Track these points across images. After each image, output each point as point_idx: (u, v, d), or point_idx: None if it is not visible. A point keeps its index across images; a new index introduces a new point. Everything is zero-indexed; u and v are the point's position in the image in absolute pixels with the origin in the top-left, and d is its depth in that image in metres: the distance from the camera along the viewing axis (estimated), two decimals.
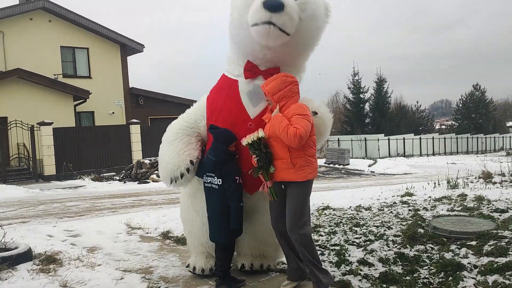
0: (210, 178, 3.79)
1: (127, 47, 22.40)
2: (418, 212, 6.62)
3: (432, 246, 4.73)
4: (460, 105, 50.89)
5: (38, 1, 19.73)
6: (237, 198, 3.71)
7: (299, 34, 3.58)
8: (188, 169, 3.76)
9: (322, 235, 5.43)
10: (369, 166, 21.56)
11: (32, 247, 4.79)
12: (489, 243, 4.57)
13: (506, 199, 7.31)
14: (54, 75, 19.67)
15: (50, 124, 16.59)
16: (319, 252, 4.66)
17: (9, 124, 16.70)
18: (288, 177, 3.51)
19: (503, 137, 46.63)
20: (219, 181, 3.72)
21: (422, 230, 5.20)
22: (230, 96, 3.81)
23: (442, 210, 6.68)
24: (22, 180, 15.99)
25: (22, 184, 14.56)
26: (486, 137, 43.99)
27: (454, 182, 9.25)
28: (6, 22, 18.85)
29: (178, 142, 3.89)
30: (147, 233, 6.12)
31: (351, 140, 32.52)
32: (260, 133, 3.52)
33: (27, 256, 4.49)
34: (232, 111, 3.77)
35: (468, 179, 10.38)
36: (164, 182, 4.02)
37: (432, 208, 6.88)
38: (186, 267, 4.31)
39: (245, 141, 3.52)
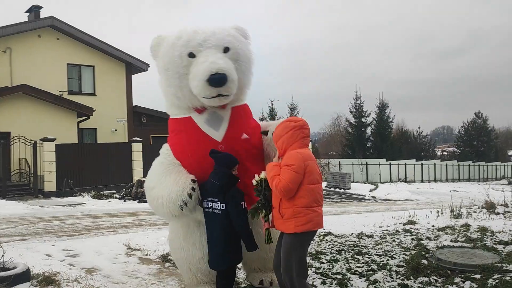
0: (212, 203, 3.75)
1: (132, 66, 22.62)
2: (421, 241, 6.54)
3: (436, 278, 4.66)
4: (462, 132, 50.97)
5: (47, 19, 20.04)
6: (245, 224, 3.67)
7: (240, 77, 3.85)
8: (193, 188, 3.71)
9: (323, 262, 5.36)
10: (371, 191, 21.47)
11: (30, 267, 4.74)
12: (493, 277, 4.50)
13: (510, 230, 7.24)
14: (60, 91, 19.81)
15: (53, 140, 16.62)
16: (320, 281, 4.60)
17: (12, 139, 16.73)
18: (278, 227, 3.53)
19: (504, 165, 46.53)
20: (223, 206, 3.68)
21: (426, 261, 5.13)
22: (190, 132, 3.94)
23: (445, 240, 6.60)
24: (22, 195, 15.92)
25: (22, 200, 14.49)
26: (487, 165, 43.90)
27: (457, 212, 9.18)
28: (15, 38, 19.10)
29: (170, 174, 3.86)
30: (146, 255, 6.05)
31: (352, 164, 32.46)
32: (262, 174, 3.60)
33: (25, 276, 4.43)
34: (198, 143, 3.87)
35: (471, 208, 10.31)
36: (170, 217, 3.88)
37: (436, 238, 6.80)
38: None
39: (254, 181, 3.64)
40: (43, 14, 21.36)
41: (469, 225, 7.81)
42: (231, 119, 3.98)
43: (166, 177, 3.85)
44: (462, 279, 4.55)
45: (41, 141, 16.52)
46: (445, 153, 55.65)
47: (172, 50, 3.84)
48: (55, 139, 16.71)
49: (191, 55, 3.79)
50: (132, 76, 23.04)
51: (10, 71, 18.95)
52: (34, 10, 21.39)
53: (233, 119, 3.99)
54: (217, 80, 3.58)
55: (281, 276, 3.58)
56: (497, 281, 4.37)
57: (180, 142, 3.99)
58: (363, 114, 40.41)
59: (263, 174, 3.60)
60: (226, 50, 3.84)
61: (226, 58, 3.77)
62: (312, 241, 6.30)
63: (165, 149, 4.13)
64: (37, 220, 10.14)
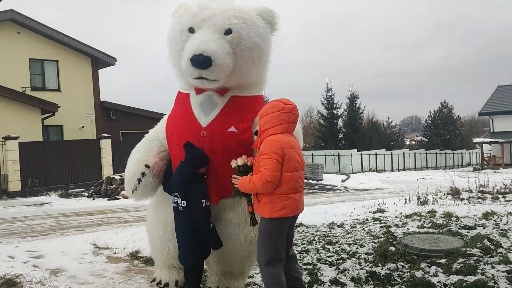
0: (176, 198, 3.69)
1: (99, 60, 22.03)
2: (390, 229, 6.66)
3: (403, 264, 4.74)
4: (429, 122, 52.22)
5: (6, 12, 19.22)
6: (205, 222, 3.59)
7: (239, 64, 3.62)
8: (144, 173, 3.71)
9: None
10: (342, 181, 21.77)
11: None
12: (458, 261, 4.62)
13: (474, 215, 7.46)
14: (22, 88, 19.11)
15: (16, 138, 16.06)
16: None
17: None
18: (256, 210, 3.48)
19: (469, 152, 48.04)
20: (183, 203, 3.60)
21: (393, 248, 5.22)
22: (183, 110, 3.85)
23: (412, 227, 6.74)
24: None
25: None
26: (454, 153, 45.23)
27: (424, 199, 9.40)
28: None
29: (139, 153, 3.95)
30: (115, 253, 5.91)
31: (325, 155, 32.83)
32: (239, 160, 3.49)
33: None
34: (185, 123, 3.76)
35: (437, 195, 10.57)
36: (129, 196, 4.00)
37: (403, 225, 6.94)
38: (152, 281, 4.23)
39: (233, 163, 3.50)
40: (2, 7, 20.51)
41: (435, 211, 8.01)
42: (224, 107, 3.73)
43: (136, 154, 3.94)
44: (428, 264, 4.65)
45: (3, 140, 15.92)
46: (414, 142, 56.95)
47: (177, 22, 3.76)
48: (18, 137, 16.14)
49: (191, 30, 3.65)
50: (100, 70, 22.45)
51: None
52: None
53: (227, 108, 3.73)
54: (199, 61, 3.41)
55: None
56: (461, 265, 4.49)
57: (174, 116, 3.93)
58: (335, 105, 40.86)
59: (240, 160, 3.48)
60: (228, 32, 3.58)
61: (221, 40, 3.53)
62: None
63: (163, 119, 4.11)
64: (0, 221, 9.77)
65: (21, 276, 4.70)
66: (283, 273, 3.40)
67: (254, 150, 3.61)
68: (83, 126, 21.21)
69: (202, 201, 3.56)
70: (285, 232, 3.44)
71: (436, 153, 43.04)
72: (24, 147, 16.26)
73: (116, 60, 22.81)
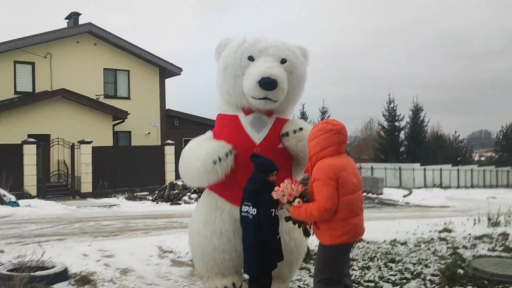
0: (246, 207, 3.74)
1: (166, 70, 23.08)
2: (457, 250, 6.37)
3: None
4: (501, 137, 49.12)
5: (85, 25, 20.75)
6: (273, 232, 3.66)
7: (289, 90, 4.09)
8: (231, 151, 3.95)
9: (355, 269, 5.29)
10: (404, 196, 21.00)
11: (68, 266, 4.91)
12: None
13: None
14: (96, 95, 20.45)
15: (89, 143, 17.15)
16: None
17: (51, 142, 17.39)
18: (316, 235, 3.43)
19: None
20: (254, 210, 3.67)
21: (461, 271, 4.98)
22: (233, 129, 4.16)
23: (482, 249, 6.40)
24: (60, 196, 16.49)
25: (60, 200, 15.01)
26: None
27: (495, 220, 8.87)
28: (54, 44, 19.86)
29: (211, 140, 4.18)
30: (178, 257, 6.14)
31: (385, 169, 31.84)
32: (295, 202, 3.33)
33: (63, 275, 4.60)
34: (238, 140, 4.07)
35: (510, 216, 9.92)
36: (200, 175, 4.00)
37: (472, 247, 6.60)
38: None
39: (275, 196, 3.41)
40: (81, 20, 22.15)
41: (508, 234, 7.54)
42: (273, 127, 4.17)
43: (207, 141, 4.19)
44: None
45: (78, 144, 17.07)
46: (483, 158, 53.78)
47: (234, 51, 4.13)
48: (92, 141, 17.23)
49: (251, 58, 4.07)
50: (165, 80, 23.50)
51: (50, 75, 19.72)
52: (73, 17, 22.17)
53: (275, 127, 4.17)
54: (267, 83, 3.83)
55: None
56: None
57: (222, 135, 4.19)
58: (396, 117, 39.65)
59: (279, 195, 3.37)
60: (283, 61, 4.09)
61: (281, 68, 4.02)
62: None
63: (208, 133, 4.41)
64: (74, 221, 10.48)
65: (95, 273, 5.03)
66: None
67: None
68: (149, 133, 22.25)
69: (272, 210, 3.62)
70: (346, 258, 3.38)
71: (508, 171, 40.31)
72: (97, 151, 17.31)
73: (182, 70, 23.76)
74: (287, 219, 3.56)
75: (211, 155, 3.90)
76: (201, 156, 3.95)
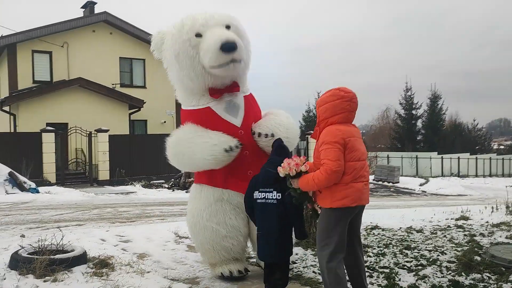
0: (265, 193, 3.70)
1: None
2: (474, 237, 6.29)
3: (489, 275, 4.47)
4: None
5: (101, 14, 20.88)
6: (302, 211, 3.67)
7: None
8: (240, 144, 4.14)
9: (370, 256, 5.28)
10: (421, 185, 20.79)
11: (87, 250, 5.01)
12: None
13: None
14: (113, 84, 20.64)
15: (106, 131, 17.37)
16: (367, 274, 4.54)
17: (69, 130, 17.66)
18: (318, 201, 3.44)
19: None
20: (279, 195, 3.62)
21: (478, 258, 4.93)
22: (209, 120, 4.26)
23: (500, 237, 6.31)
24: (79, 183, 16.80)
25: (79, 188, 15.30)
26: None
27: None
28: (71, 34, 20.06)
29: (207, 130, 4.25)
30: (194, 243, 6.20)
31: (402, 157, 31.52)
32: (303, 167, 3.38)
33: (82, 259, 4.69)
34: (222, 129, 4.20)
35: None
36: (210, 161, 4.12)
37: (490, 234, 6.52)
38: (221, 277, 4.38)
39: (282, 172, 3.46)
40: (97, 9, 22.27)
41: None
42: (245, 107, 4.38)
43: (205, 131, 4.23)
44: None
45: (95, 132, 17.31)
46: (502, 147, 52.77)
47: (179, 37, 4.17)
48: (108, 130, 17.45)
49: (198, 35, 4.12)
50: None
51: (67, 65, 19.95)
52: (89, 6, 22.32)
53: (247, 107, 4.40)
54: (229, 46, 3.90)
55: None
56: None
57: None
58: (414, 106, 39.11)
59: (300, 166, 3.38)
60: (228, 27, 4.19)
61: (230, 31, 4.12)
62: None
63: (190, 124, 4.44)
64: (92, 207, 10.68)
65: (112, 257, 5.13)
66: (343, 266, 3.36)
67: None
68: (165, 121, 22.40)
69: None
70: (346, 224, 3.32)
71: None
72: (113, 139, 17.54)
73: None
74: (296, 200, 3.53)
75: (223, 142, 4.06)
76: (213, 144, 4.07)
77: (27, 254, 4.59)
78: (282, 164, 3.44)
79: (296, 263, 4.96)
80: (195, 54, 4.09)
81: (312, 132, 23.81)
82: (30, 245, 4.88)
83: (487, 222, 7.65)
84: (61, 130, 17.24)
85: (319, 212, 3.49)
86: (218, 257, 4.38)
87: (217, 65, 4.02)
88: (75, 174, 17.73)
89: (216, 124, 4.25)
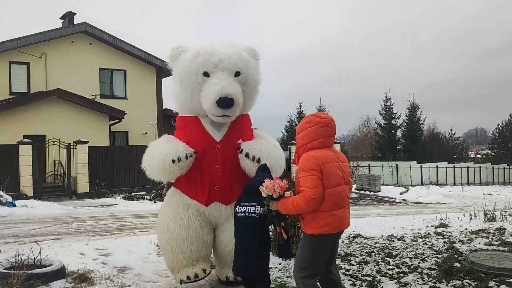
0: (246, 207, 3.67)
1: (163, 70, 22.98)
2: (454, 244, 6.39)
3: (469, 281, 4.54)
4: (497, 134, 49.33)
5: (80, 25, 20.69)
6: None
7: (245, 100, 4.41)
8: (193, 153, 4.27)
9: (353, 264, 5.31)
10: (401, 193, 21.05)
11: (65, 265, 4.90)
12: None
13: None
14: (92, 95, 20.39)
15: (85, 143, 17.09)
16: (349, 283, 4.56)
17: (47, 142, 17.33)
18: (302, 226, 3.45)
19: None
20: (262, 210, 3.57)
21: (458, 264, 5.01)
22: (194, 129, 4.46)
23: (479, 244, 6.42)
24: (57, 196, 16.44)
25: (57, 201, 14.96)
26: None
27: (491, 215, 8.91)
28: (49, 44, 19.80)
29: (175, 140, 4.44)
30: None
31: (382, 167, 31.89)
32: (287, 193, 3.33)
33: (60, 273, 4.59)
34: (199, 140, 4.38)
35: (506, 212, 9.98)
36: (159, 170, 4.28)
37: (469, 241, 6.63)
38: (180, 283, 4.41)
39: (266, 193, 3.38)
40: (76, 20, 22.08)
41: (504, 229, 7.57)
42: (231, 125, 4.48)
43: (172, 141, 4.44)
44: (497, 283, 4.42)
45: (74, 144, 17.02)
46: (479, 156, 53.97)
47: (189, 65, 4.31)
48: (88, 141, 17.18)
49: (206, 74, 4.28)
50: (162, 79, 23.46)
51: (45, 76, 19.66)
52: (68, 17, 22.11)
53: (233, 125, 4.49)
54: (225, 103, 4.10)
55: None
56: None
57: (184, 135, 4.48)
58: (393, 116, 39.75)
59: (267, 191, 3.34)
60: (237, 74, 4.31)
61: (236, 83, 4.27)
62: (341, 243, 6.26)
63: (167, 136, 4.69)
64: (71, 220, 10.46)
65: (92, 271, 5.03)
66: (317, 284, 3.38)
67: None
68: (146, 133, 22.22)
69: None
70: (328, 249, 3.39)
71: (504, 168, 40.41)
72: (93, 151, 17.26)
73: None
74: (268, 221, 3.54)
75: (171, 154, 4.18)
76: (162, 154, 4.24)
77: (4, 269, 4.47)
78: (264, 184, 3.38)
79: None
80: (197, 90, 4.29)
81: (294, 142, 23.94)
82: (6, 260, 4.75)
83: (466, 229, 7.79)
84: (38, 142, 16.90)
85: (285, 238, 3.55)
86: (175, 261, 4.42)
87: (210, 114, 4.27)
88: (53, 187, 17.36)
89: (197, 133, 4.42)
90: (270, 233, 3.88)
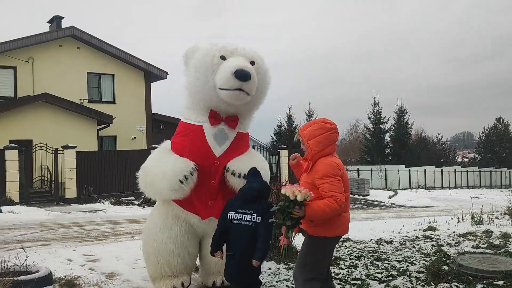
0: (242, 215, 3.60)
1: (151, 74, 22.94)
2: (442, 248, 6.45)
3: (457, 284, 4.58)
4: (483, 138, 49.99)
5: (68, 29, 20.52)
6: (270, 238, 3.69)
7: (256, 93, 4.26)
8: (194, 168, 4.12)
9: (342, 268, 5.32)
10: (390, 197, 21.23)
11: (52, 271, 4.82)
12: None
13: None
14: (80, 100, 20.22)
15: (73, 147, 16.91)
16: (339, 286, 4.57)
17: (34, 147, 17.11)
18: (308, 230, 3.39)
19: None
20: (259, 219, 3.52)
21: (446, 267, 5.05)
22: (195, 139, 4.29)
23: (467, 246, 6.49)
24: (44, 202, 16.22)
25: (44, 206, 14.77)
26: (510, 171, 42.85)
27: (478, 218, 9.01)
28: (37, 48, 19.60)
29: (172, 155, 4.31)
30: None
31: (371, 171, 32.12)
32: (302, 195, 3.14)
33: (47, 280, 4.51)
34: (198, 152, 4.24)
35: (493, 215, 10.11)
36: (165, 192, 4.16)
37: (457, 244, 6.69)
38: None
39: (289, 192, 3.20)
40: (64, 24, 21.92)
41: (491, 232, 7.66)
42: (234, 141, 4.36)
43: (169, 157, 4.30)
44: (485, 285, 4.47)
45: (62, 149, 16.83)
46: (466, 160, 54.62)
47: (207, 51, 4.25)
48: (76, 146, 17.00)
49: (223, 58, 4.20)
50: (151, 84, 23.36)
51: (32, 80, 19.44)
52: (56, 21, 21.94)
53: (236, 142, 4.39)
54: (243, 74, 3.96)
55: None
56: None
57: (182, 144, 4.35)
58: (382, 120, 40.06)
59: (303, 195, 3.16)
60: (252, 63, 4.23)
61: (253, 67, 4.19)
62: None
63: (166, 143, 4.61)
64: (58, 226, 10.32)
65: (80, 278, 4.96)
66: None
67: None
68: (135, 137, 22.08)
69: (272, 218, 3.44)
70: (333, 251, 3.46)
71: (490, 171, 40.96)
72: (81, 156, 17.08)
73: (168, 74, 23.65)
74: (278, 226, 3.38)
75: (177, 174, 4.03)
76: (167, 176, 4.07)
77: None
78: (291, 189, 3.20)
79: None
80: (212, 71, 4.18)
81: (283, 146, 23.79)
82: None
83: (453, 232, 7.87)
84: (25, 147, 16.67)
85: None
86: (159, 271, 4.37)
87: (225, 88, 4.07)
88: (40, 193, 17.12)
89: (199, 145, 4.28)
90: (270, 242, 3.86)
